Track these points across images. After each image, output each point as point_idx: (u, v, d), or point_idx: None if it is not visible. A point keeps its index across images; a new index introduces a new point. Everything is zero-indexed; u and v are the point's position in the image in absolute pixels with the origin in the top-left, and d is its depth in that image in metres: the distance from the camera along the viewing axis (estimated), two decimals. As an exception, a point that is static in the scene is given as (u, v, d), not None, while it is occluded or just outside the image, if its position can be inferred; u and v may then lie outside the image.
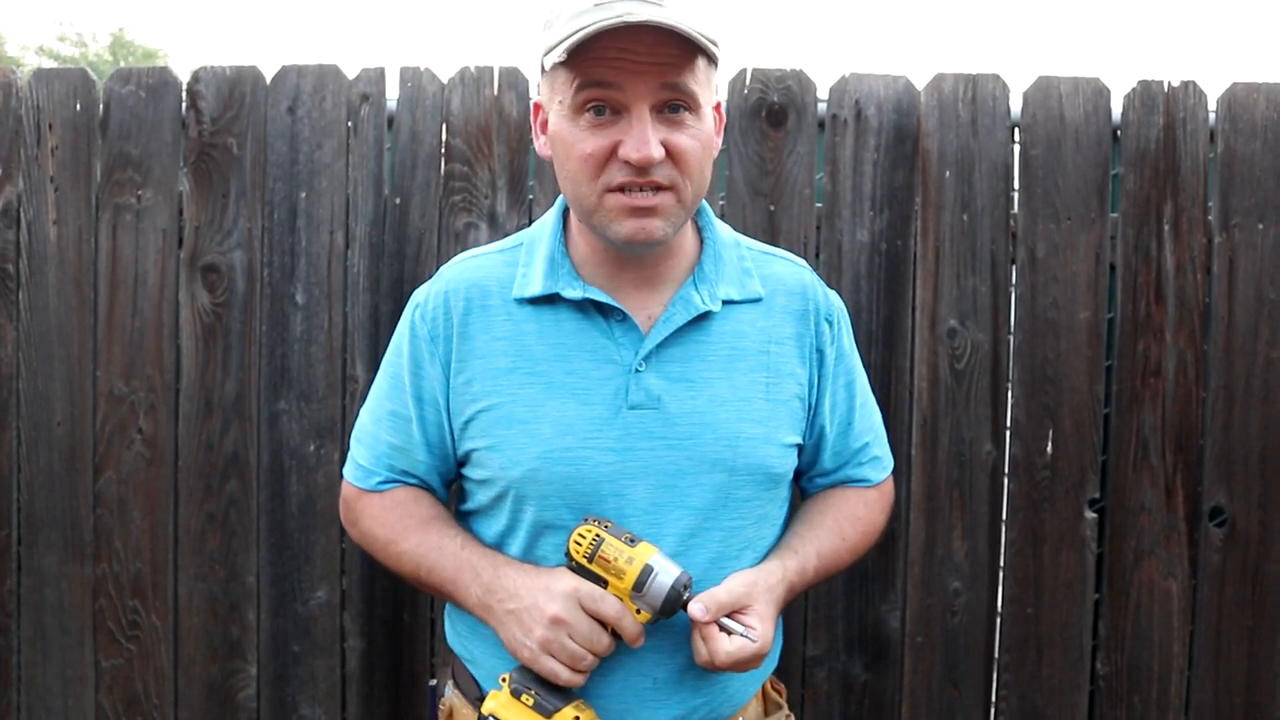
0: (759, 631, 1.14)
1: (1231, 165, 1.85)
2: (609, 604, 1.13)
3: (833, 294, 1.36)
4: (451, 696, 1.31)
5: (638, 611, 1.14)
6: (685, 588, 1.13)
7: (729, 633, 1.14)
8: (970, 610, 1.90)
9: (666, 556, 1.14)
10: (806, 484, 1.39)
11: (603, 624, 1.13)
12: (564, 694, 1.14)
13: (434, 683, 1.41)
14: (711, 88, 1.17)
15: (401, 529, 1.27)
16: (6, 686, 1.98)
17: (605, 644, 1.13)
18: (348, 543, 1.91)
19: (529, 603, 1.14)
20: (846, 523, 1.34)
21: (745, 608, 1.15)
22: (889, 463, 1.42)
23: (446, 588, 1.23)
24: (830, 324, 1.31)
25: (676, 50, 1.09)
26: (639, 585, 1.12)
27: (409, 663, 1.93)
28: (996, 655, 1.92)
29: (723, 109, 1.24)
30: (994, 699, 1.92)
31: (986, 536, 1.89)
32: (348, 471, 1.34)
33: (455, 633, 1.31)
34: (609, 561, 1.13)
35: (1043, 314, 1.87)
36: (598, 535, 1.13)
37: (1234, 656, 1.88)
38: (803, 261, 1.37)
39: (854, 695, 1.91)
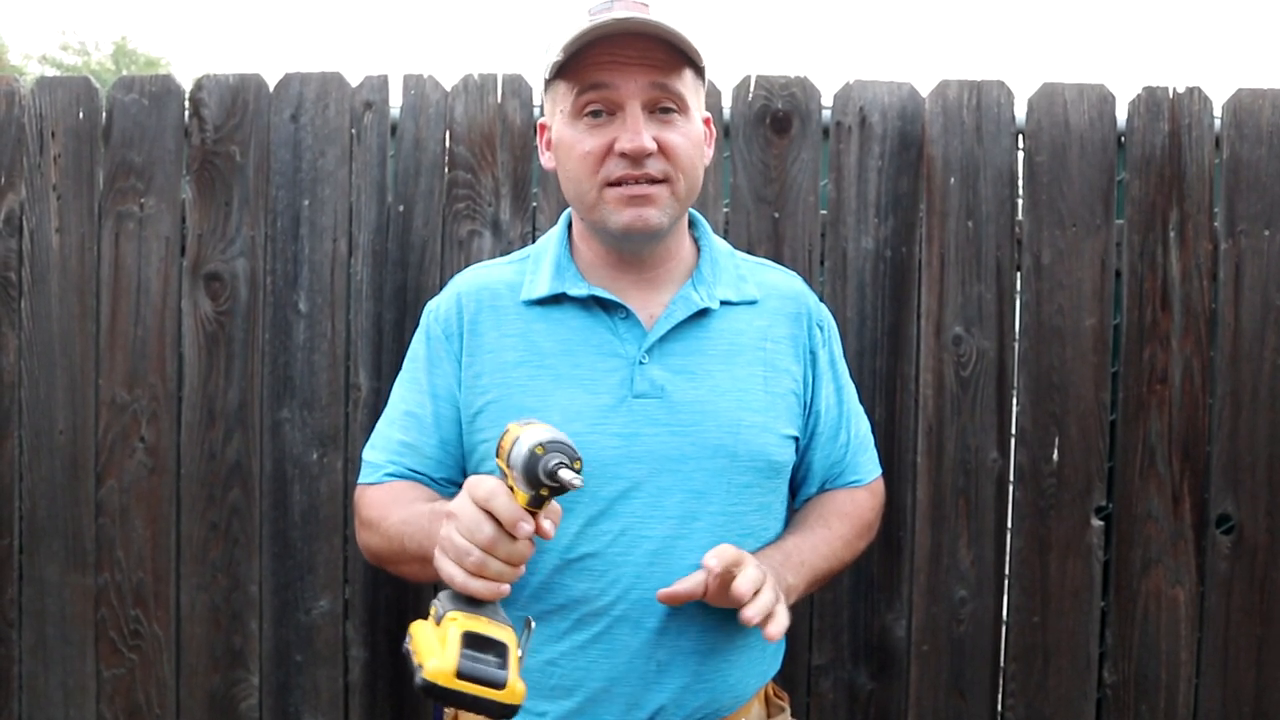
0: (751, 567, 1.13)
1: (1237, 171, 1.85)
2: (484, 486, 1.01)
3: (823, 305, 1.41)
4: None
5: (523, 496, 0.99)
6: (545, 450, 0.96)
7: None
8: (976, 619, 1.89)
9: (555, 430, 0.98)
10: (797, 491, 1.41)
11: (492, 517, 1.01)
12: (472, 605, 1.00)
13: None
14: (701, 100, 1.26)
15: (391, 508, 1.25)
16: (8, 696, 1.97)
17: (486, 533, 0.99)
18: (351, 551, 1.91)
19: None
20: (832, 517, 1.36)
21: (737, 563, 1.13)
22: (876, 467, 1.45)
23: (425, 546, 1.14)
24: (821, 329, 1.37)
25: (664, 55, 1.19)
26: (509, 459, 0.98)
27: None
28: (1003, 664, 1.91)
29: (713, 124, 1.32)
30: (1000, 708, 1.91)
31: (993, 545, 1.88)
32: (359, 478, 1.35)
33: None
34: (501, 447, 1.01)
35: (1048, 321, 1.86)
36: (507, 428, 1.03)
37: (1242, 665, 1.87)
38: (795, 274, 1.42)
39: (860, 704, 1.90)
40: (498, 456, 1.03)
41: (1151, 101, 1.85)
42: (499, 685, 0.95)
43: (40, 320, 1.93)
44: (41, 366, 1.93)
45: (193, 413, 1.92)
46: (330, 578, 1.92)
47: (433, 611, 1.01)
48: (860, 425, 1.43)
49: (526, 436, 0.97)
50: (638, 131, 1.17)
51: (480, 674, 0.95)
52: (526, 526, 0.98)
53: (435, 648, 0.96)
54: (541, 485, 0.96)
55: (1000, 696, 1.91)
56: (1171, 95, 1.85)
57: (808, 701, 1.89)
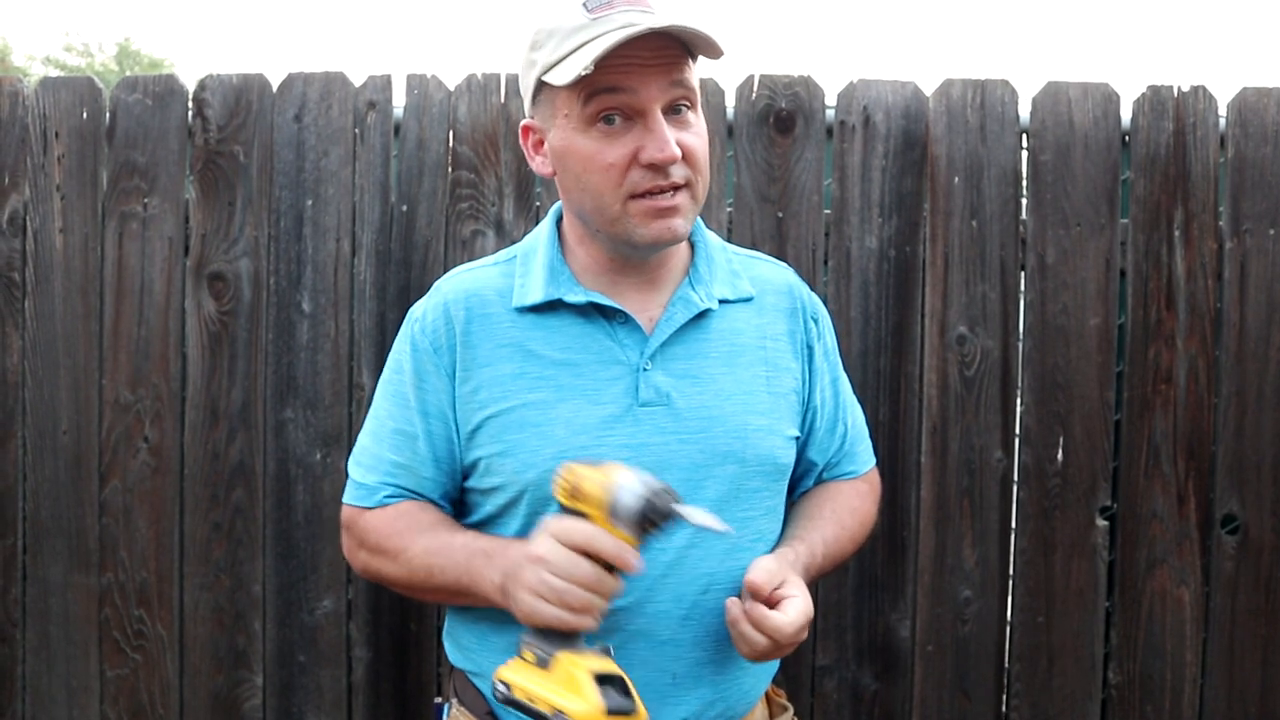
0: (799, 595, 1.14)
1: (1242, 170, 1.84)
2: (578, 530, 1.04)
3: (814, 295, 1.39)
4: (457, 714, 1.28)
5: (629, 537, 1.05)
6: (655, 496, 1.03)
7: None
8: (981, 619, 1.88)
9: (641, 473, 1.05)
10: (796, 485, 1.39)
11: (591, 557, 1.05)
12: (568, 641, 1.05)
13: (439, 700, 1.38)
14: (697, 84, 1.21)
15: (410, 536, 1.23)
16: (11, 697, 1.97)
17: (586, 572, 1.04)
18: (354, 552, 1.90)
19: (519, 559, 1.09)
20: (845, 513, 1.35)
21: (781, 582, 1.15)
22: (871, 457, 1.44)
23: (463, 581, 1.18)
24: (816, 322, 1.35)
25: (677, 49, 1.13)
26: (611, 509, 1.04)
27: (415, 673, 1.92)
28: (1007, 664, 1.90)
29: (703, 113, 1.24)
30: (1005, 709, 1.91)
31: (997, 544, 1.88)
32: (347, 495, 1.29)
33: (459, 648, 1.29)
34: (585, 493, 1.05)
35: (1053, 320, 1.86)
36: (575, 471, 1.08)
37: (1247, 665, 1.86)
38: (785, 264, 1.40)
39: (864, 705, 1.90)
40: (573, 499, 1.06)
41: (1156, 100, 1.85)
42: (635, 715, 1.01)
43: (44, 320, 1.94)
44: (45, 366, 1.94)
45: (196, 413, 1.92)
46: (333, 578, 1.92)
47: (529, 656, 1.06)
48: (855, 414, 1.41)
49: (628, 487, 1.03)
50: (666, 140, 1.12)
51: (620, 708, 1.00)
52: (636, 560, 1.04)
53: (563, 691, 1.02)
54: (650, 525, 1.03)
55: (1005, 697, 1.90)
56: (1176, 94, 1.85)
57: (811, 702, 1.89)
